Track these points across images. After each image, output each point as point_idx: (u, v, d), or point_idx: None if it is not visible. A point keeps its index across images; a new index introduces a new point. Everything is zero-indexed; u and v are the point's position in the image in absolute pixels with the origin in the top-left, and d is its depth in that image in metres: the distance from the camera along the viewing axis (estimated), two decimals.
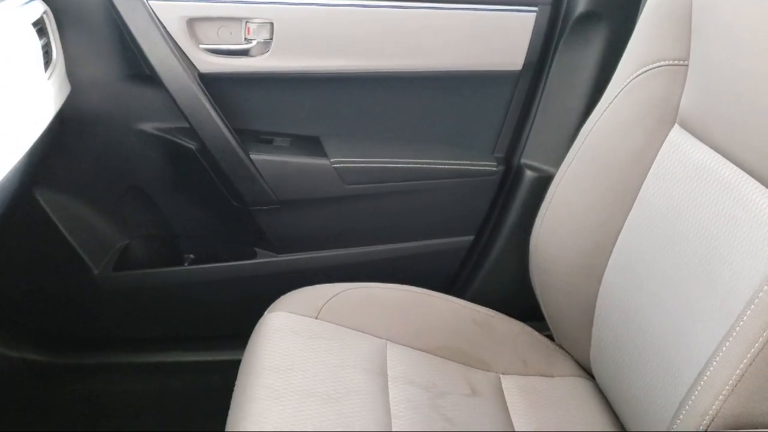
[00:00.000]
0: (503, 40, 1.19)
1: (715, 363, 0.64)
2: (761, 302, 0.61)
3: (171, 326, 1.35)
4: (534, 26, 1.18)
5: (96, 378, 1.34)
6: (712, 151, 0.83)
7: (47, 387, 1.35)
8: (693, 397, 0.66)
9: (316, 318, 1.04)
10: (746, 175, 0.76)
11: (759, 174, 0.74)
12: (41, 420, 1.34)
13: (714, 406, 0.62)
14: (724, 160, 0.80)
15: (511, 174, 1.28)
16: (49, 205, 1.22)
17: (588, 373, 1.06)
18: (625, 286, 0.93)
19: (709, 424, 0.62)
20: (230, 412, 0.89)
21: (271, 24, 1.13)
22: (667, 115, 0.92)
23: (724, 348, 0.64)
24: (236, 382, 0.94)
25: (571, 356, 1.09)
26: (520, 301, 1.16)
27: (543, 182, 1.17)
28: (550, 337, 1.12)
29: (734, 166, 0.79)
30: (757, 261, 0.66)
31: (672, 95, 0.91)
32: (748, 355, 0.61)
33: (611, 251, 0.97)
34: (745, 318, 0.63)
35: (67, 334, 1.34)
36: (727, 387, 0.62)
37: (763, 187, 0.73)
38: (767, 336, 0.60)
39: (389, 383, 0.95)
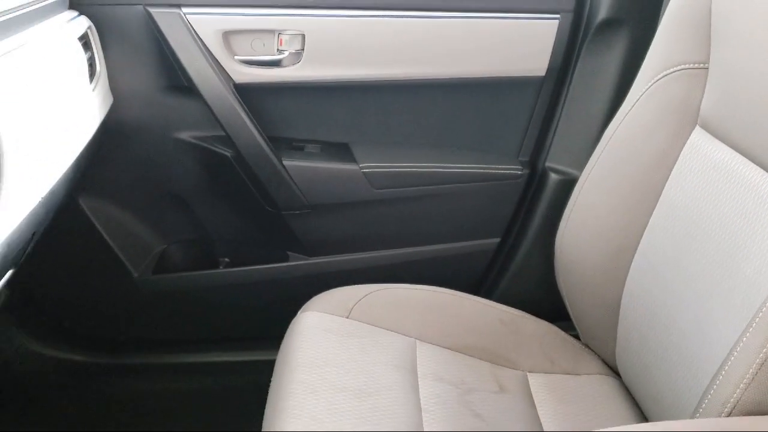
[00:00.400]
0: (527, 47, 1.21)
1: (735, 354, 0.66)
2: None
3: (207, 327, 1.39)
4: (557, 33, 1.20)
5: (135, 377, 1.39)
6: (732, 151, 0.84)
7: (89, 386, 1.39)
8: (714, 387, 0.67)
9: (348, 317, 1.07)
10: (766, 174, 0.78)
11: None
12: (82, 418, 1.38)
13: (735, 395, 0.64)
14: (745, 160, 0.82)
15: (535, 177, 1.30)
16: (92, 212, 1.27)
17: (614, 371, 1.07)
18: (648, 286, 0.95)
19: (730, 412, 0.64)
20: (267, 407, 0.92)
21: (303, 35, 1.17)
22: (689, 117, 0.93)
23: (744, 339, 0.66)
24: (272, 379, 0.97)
25: (597, 355, 1.10)
26: (546, 302, 1.17)
27: (567, 185, 1.19)
28: (577, 337, 1.13)
29: (755, 165, 0.80)
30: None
31: (693, 98, 0.93)
32: (765, 347, 0.63)
33: (635, 252, 0.98)
34: (764, 310, 0.65)
35: (108, 335, 1.39)
36: (747, 376, 0.64)
37: None
38: None
39: (419, 380, 0.97)
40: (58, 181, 0.90)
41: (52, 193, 0.89)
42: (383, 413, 0.89)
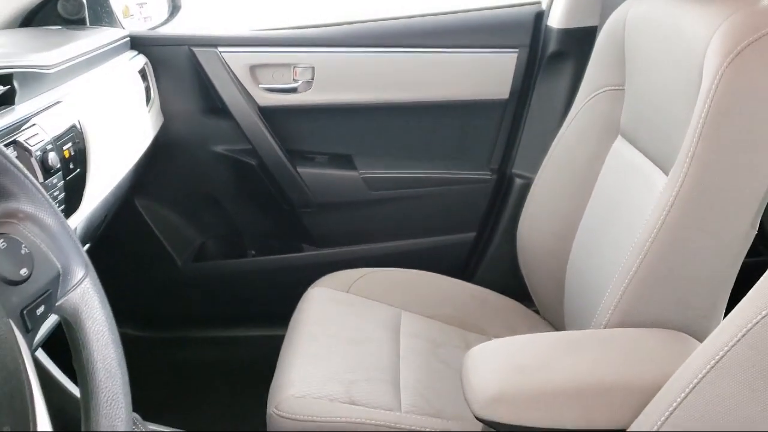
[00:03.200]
0: (493, 75, 1.40)
1: (610, 287, 0.85)
2: (638, 242, 0.83)
3: (237, 306, 1.57)
4: (516, 63, 1.38)
5: (178, 349, 1.57)
6: (640, 153, 1.04)
7: (137, 357, 1.56)
8: (596, 314, 0.87)
9: (347, 292, 1.27)
10: (656, 168, 0.97)
11: (662, 165, 0.95)
12: (135, 386, 1.55)
13: (606, 317, 0.83)
14: (645, 159, 1.01)
15: (504, 181, 1.47)
16: (145, 211, 1.48)
17: None
18: (583, 261, 1.12)
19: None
20: (281, 351, 1.12)
21: (313, 68, 1.38)
22: (612, 129, 1.12)
23: (615, 276, 0.85)
24: (286, 333, 1.18)
25: (552, 325, 1.27)
26: (515, 285, 1.32)
27: (530, 187, 1.31)
28: (537, 312, 1.29)
29: (651, 162, 0.99)
30: (646, 215, 0.87)
31: (615, 113, 1.11)
32: (626, 280, 0.82)
33: (575, 235, 1.16)
34: (629, 254, 0.84)
35: (155, 312, 1.58)
36: (614, 302, 0.83)
37: (663, 174, 0.93)
38: (637, 265, 0.81)
39: (401, 337, 1.16)
40: (123, 178, 1.13)
41: (118, 186, 1.12)
42: (368, 356, 1.08)
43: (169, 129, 1.40)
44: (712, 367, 0.59)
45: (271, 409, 0.98)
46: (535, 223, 1.25)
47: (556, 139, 1.22)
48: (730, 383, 0.58)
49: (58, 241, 0.50)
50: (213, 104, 1.41)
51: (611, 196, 1.09)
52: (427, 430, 0.92)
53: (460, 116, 1.45)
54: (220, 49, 1.36)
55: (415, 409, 0.97)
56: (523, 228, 1.28)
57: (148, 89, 1.31)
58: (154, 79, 1.36)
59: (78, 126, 0.92)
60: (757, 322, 0.57)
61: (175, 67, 1.39)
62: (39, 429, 0.43)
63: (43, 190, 0.50)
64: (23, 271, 0.46)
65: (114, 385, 0.52)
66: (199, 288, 1.55)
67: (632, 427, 0.65)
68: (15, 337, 0.44)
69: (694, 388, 0.60)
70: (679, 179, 0.80)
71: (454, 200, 1.48)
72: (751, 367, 0.56)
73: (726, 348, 0.58)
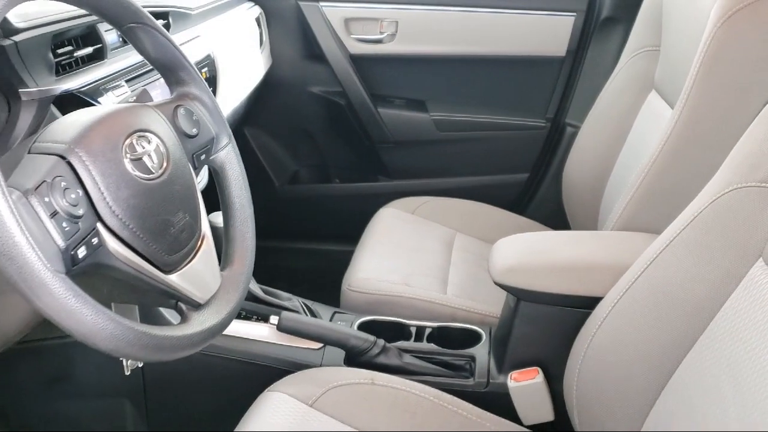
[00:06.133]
0: (552, 35, 1.55)
1: (619, 199, 1.04)
2: (642, 165, 1.01)
3: (321, 224, 1.80)
4: (573, 25, 1.53)
5: (271, 256, 1.75)
6: (666, 104, 1.20)
7: None
8: (606, 219, 1.06)
9: (412, 213, 1.49)
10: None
11: None
12: None
13: (612, 224, 1.02)
14: (669, 108, 1.17)
15: (557, 129, 1.63)
16: (252, 137, 1.73)
17: None
18: (612, 198, 1.29)
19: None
20: (356, 249, 1.36)
21: (397, 22, 1.59)
22: (647, 84, 1.27)
23: (621, 195, 1.04)
24: (360, 239, 1.42)
25: None
26: (560, 221, 1.48)
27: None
28: None
29: (671, 109, 1.15)
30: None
31: (650, 70, 1.26)
32: (630, 195, 1.01)
33: (610, 175, 1.33)
34: (637, 172, 1.02)
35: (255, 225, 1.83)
36: (621, 209, 1.02)
37: None
38: (639, 183, 0.99)
39: (453, 250, 1.38)
40: (239, 104, 1.39)
41: (235, 110, 1.38)
42: (424, 261, 1.31)
43: (276, 70, 1.64)
44: (666, 246, 0.79)
45: (345, 286, 1.23)
46: (578, 165, 1.42)
47: (600, 93, 1.38)
48: (678, 258, 0.77)
49: (215, 116, 0.75)
50: (312, 51, 1.63)
51: (640, 140, 1.26)
52: (463, 307, 1.15)
53: (522, 70, 1.61)
54: (321, 3, 1.59)
55: (457, 295, 1.19)
56: (568, 169, 1.45)
57: (261, 35, 1.56)
58: (266, 27, 1.60)
59: (211, 56, 1.18)
60: (701, 211, 0.76)
61: (283, 18, 1.61)
62: (202, 223, 0.69)
63: (205, 83, 0.75)
64: (194, 131, 0.71)
65: (245, 214, 0.77)
66: (291, 207, 1.79)
67: (607, 295, 0.85)
68: (189, 168, 0.69)
69: (651, 262, 0.80)
70: (677, 115, 0.98)
71: (512, 144, 1.65)
72: (692, 243, 0.76)
73: (677, 231, 0.78)
